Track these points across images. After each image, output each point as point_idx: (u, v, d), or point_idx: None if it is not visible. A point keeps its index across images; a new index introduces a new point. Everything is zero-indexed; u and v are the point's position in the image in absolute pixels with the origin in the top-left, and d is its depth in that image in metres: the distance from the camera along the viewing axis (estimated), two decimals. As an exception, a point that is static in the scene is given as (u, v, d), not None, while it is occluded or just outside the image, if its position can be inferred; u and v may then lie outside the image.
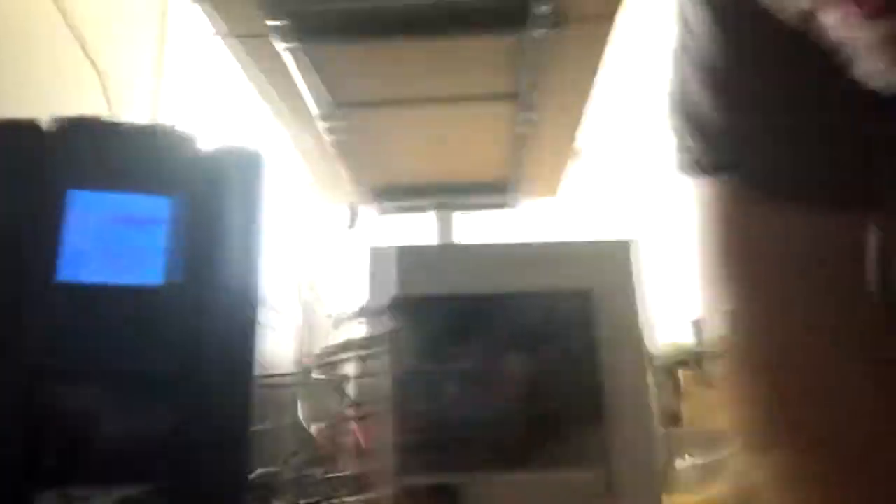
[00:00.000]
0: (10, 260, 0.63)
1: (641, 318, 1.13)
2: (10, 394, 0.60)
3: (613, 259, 1.15)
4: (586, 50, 1.16)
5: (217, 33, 1.15)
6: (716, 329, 0.43)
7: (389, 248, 1.17)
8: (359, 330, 1.51)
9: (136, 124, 0.73)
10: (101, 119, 0.73)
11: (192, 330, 0.64)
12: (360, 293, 1.48)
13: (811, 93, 0.35)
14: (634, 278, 1.15)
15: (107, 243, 0.65)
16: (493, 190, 1.78)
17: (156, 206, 0.66)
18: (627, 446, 1.03)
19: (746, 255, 0.41)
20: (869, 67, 0.28)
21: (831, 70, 0.31)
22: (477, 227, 1.87)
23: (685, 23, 0.41)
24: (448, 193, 1.77)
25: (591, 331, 1.09)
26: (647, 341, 1.12)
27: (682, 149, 0.43)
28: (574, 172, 1.76)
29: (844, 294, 0.36)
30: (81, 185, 0.65)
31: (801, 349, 0.37)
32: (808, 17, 0.29)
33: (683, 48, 0.42)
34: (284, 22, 1.02)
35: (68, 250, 0.64)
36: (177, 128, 0.71)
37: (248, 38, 1.14)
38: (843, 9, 0.27)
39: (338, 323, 1.46)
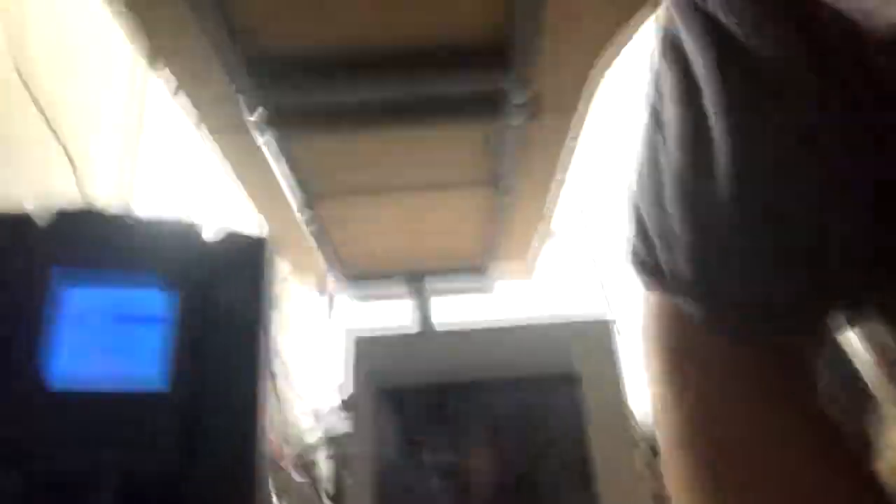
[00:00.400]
0: None
1: (626, 399, 1.12)
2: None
3: (596, 340, 1.15)
4: (560, 137, 1.19)
5: (195, 126, 1.16)
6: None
7: (369, 336, 1.15)
8: (337, 421, 1.46)
9: (133, 214, 0.70)
10: (93, 209, 0.70)
11: (191, 438, 0.60)
12: (337, 381, 1.44)
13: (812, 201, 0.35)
14: (617, 358, 1.15)
15: (103, 344, 0.61)
16: (469, 274, 1.79)
17: (157, 302, 0.63)
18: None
19: (684, 358, 0.39)
20: None
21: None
22: (454, 311, 1.87)
23: (662, 123, 0.40)
24: (425, 279, 1.76)
25: (577, 415, 1.08)
26: (632, 423, 1.11)
27: (636, 246, 0.42)
28: (549, 254, 1.78)
29: (784, 403, 0.36)
30: (75, 282, 0.62)
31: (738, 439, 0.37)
32: None
33: (659, 149, 0.40)
34: (263, 116, 1.02)
35: (61, 353, 0.60)
36: (177, 217, 0.68)
37: (226, 132, 1.14)
38: None
39: (318, 417, 1.41)
